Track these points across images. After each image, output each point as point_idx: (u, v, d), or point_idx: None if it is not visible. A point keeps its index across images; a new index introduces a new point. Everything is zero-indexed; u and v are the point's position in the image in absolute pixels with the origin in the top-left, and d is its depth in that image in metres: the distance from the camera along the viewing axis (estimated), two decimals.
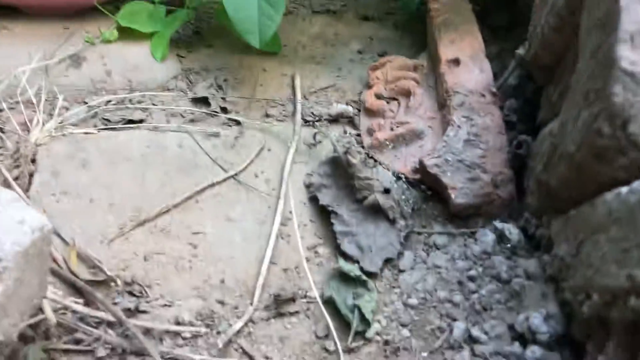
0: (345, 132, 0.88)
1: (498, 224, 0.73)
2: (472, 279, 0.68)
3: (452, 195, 0.74)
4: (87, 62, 0.94)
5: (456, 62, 0.88)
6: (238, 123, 0.90)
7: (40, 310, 0.57)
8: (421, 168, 0.78)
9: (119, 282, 0.66)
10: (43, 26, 1.01)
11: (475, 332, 0.62)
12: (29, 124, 0.83)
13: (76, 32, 1.00)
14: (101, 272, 0.67)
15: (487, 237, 0.72)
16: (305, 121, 0.91)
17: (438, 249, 0.73)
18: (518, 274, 0.68)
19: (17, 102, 0.86)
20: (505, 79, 0.90)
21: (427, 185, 0.79)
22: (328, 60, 1.06)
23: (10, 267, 0.49)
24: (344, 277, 0.70)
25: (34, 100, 0.86)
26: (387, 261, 0.73)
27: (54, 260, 0.67)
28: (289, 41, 1.09)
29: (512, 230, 0.72)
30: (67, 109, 0.87)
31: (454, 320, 0.65)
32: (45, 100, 0.87)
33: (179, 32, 1.07)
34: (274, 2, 0.87)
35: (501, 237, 0.72)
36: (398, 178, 0.80)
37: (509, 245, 0.71)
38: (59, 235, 0.70)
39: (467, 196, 0.74)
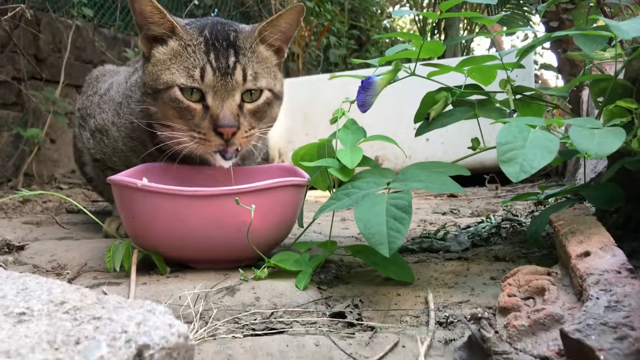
0: (479, 320, 0.87)
1: None
2: None
3: (602, 357, 0.67)
4: (240, 291, 1.07)
5: (586, 254, 0.89)
6: (372, 329, 0.92)
7: None
8: (563, 339, 0.73)
9: None
10: (207, 273, 1.18)
11: None
12: None
13: (233, 275, 1.15)
14: None
15: None
16: (440, 324, 0.92)
17: None
18: None
19: (178, 316, 0.97)
20: None
21: None
22: (461, 285, 1.09)
23: (156, 357, 0.53)
24: None
25: (193, 313, 0.97)
26: None
27: None
28: (421, 276, 1.16)
29: None
30: (218, 319, 0.96)
31: None
32: (201, 315, 0.97)
33: (321, 277, 1.18)
34: (400, 218, 0.98)
35: None
36: (542, 359, 0.75)
37: None
38: None
39: (618, 356, 0.67)
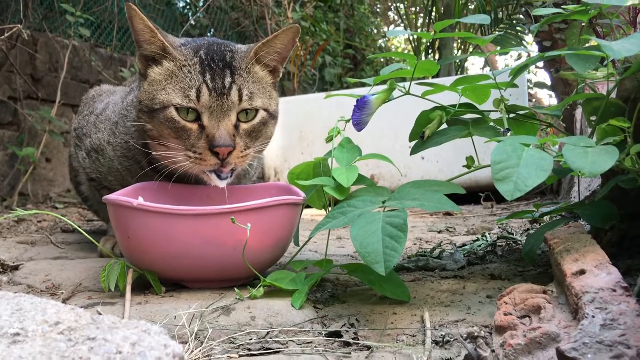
0: (476, 339, 0.87)
1: None
2: None
3: None
4: (236, 311, 1.06)
5: (581, 272, 0.89)
6: (369, 348, 0.92)
7: None
8: (559, 357, 0.73)
9: None
10: (203, 293, 1.17)
11: None
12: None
13: (229, 295, 1.15)
14: None
15: None
16: (436, 343, 0.91)
17: None
18: None
19: (173, 336, 0.96)
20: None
21: None
22: (457, 303, 1.09)
23: None
24: None
25: (188, 333, 0.96)
26: None
27: None
28: (418, 295, 1.15)
29: None
30: (214, 339, 0.95)
31: None
32: (196, 335, 0.97)
33: (317, 296, 1.18)
34: (396, 237, 0.98)
35: None
36: None
37: None
38: None
39: None
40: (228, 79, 1.27)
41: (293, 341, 0.96)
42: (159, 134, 1.29)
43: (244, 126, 1.30)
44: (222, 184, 1.27)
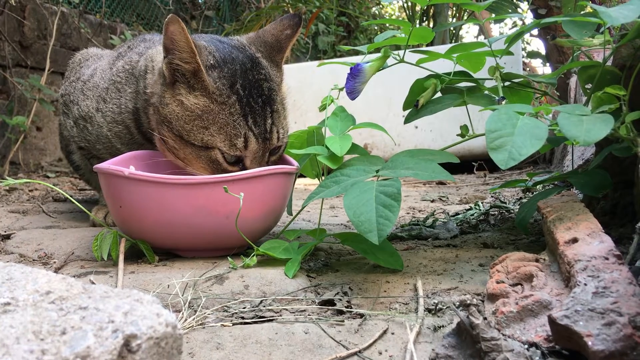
0: (468, 307, 0.87)
1: None
2: None
3: (590, 343, 0.68)
4: (229, 280, 1.06)
5: (574, 240, 0.89)
6: (362, 316, 0.92)
7: None
8: (551, 325, 0.74)
9: None
10: (196, 262, 1.17)
11: None
12: None
13: (222, 264, 1.15)
14: None
15: None
16: (429, 310, 0.92)
17: None
18: None
19: (167, 305, 0.96)
20: (632, 256, 0.88)
21: (562, 347, 0.73)
22: (449, 272, 1.10)
23: (144, 347, 0.53)
24: None
25: (182, 302, 0.96)
26: None
27: None
28: (411, 263, 1.16)
29: None
30: (207, 308, 0.96)
31: None
32: (190, 304, 0.97)
33: (310, 265, 1.18)
34: (389, 206, 0.98)
35: None
36: (530, 345, 0.76)
37: None
38: None
39: (606, 342, 0.67)
40: (269, 121, 1.25)
41: (286, 310, 0.97)
42: (184, 157, 1.26)
43: (272, 158, 1.30)
44: None
